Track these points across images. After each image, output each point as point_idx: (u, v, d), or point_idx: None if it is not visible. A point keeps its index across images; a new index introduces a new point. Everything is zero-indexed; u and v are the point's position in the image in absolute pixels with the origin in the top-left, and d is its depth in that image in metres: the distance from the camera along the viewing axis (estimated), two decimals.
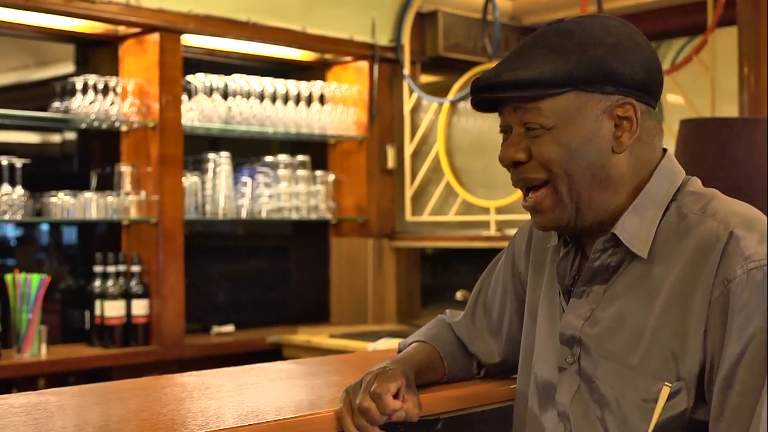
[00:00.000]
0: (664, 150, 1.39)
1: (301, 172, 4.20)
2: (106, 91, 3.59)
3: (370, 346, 3.49)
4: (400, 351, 1.68)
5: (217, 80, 3.92)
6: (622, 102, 1.31)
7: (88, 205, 3.54)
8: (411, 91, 4.37)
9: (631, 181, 1.34)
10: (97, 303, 3.56)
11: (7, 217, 3.35)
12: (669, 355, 1.26)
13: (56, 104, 3.57)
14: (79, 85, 3.54)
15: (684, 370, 1.25)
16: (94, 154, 3.91)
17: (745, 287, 1.20)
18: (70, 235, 4.05)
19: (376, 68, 4.32)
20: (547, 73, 1.29)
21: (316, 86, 4.24)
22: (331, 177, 4.35)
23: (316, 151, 4.39)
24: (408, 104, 4.37)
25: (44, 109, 3.58)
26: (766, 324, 1.19)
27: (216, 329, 4.03)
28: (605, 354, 1.32)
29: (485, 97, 1.35)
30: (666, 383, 1.25)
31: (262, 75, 4.09)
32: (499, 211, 4.04)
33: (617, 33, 1.32)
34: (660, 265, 1.30)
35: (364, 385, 1.42)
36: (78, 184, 3.66)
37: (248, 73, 4.04)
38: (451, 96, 4.25)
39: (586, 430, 1.34)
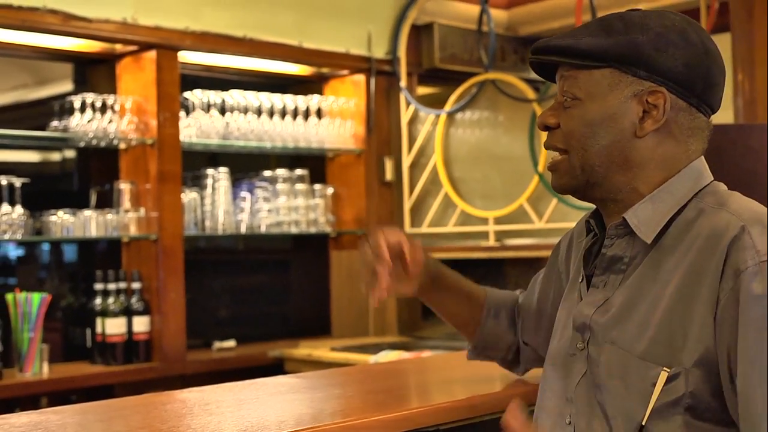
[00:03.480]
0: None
1: (300, 186, 4.20)
2: (104, 109, 3.60)
3: (372, 358, 3.49)
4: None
5: (214, 96, 3.93)
6: (653, 89, 1.34)
7: (88, 223, 3.55)
8: (408, 103, 4.38)
9: (655, 173, 1.37)
10: (98, 320, 3.56)
11: (7, 236, 3.35)
12: (672, 341, 1.27)
13: (55, 123, 3.58)
14: (77, 104, 3.55)
15: (685, 355, 1.25)
16: (93, 172, 3.92)
17: (757, 278, 1.21)
18: (70, 254, 4.06)
19: (372, 81, 4.34)
20: (586, 45, 1.35)
21: (313, 100, 4.25)
22: (330, 190, 4.36)
23: (314, 164, 4.40)
24: (405, 116, 4.38)
25: (43, 128, 3.59)
26: None
27: (217, 345, 4.03)
28: (611, 339, 1.33)
29: (535, 58, 1.42)
30: (665, 368, 1.26)
31: (259, 90, 4.10)
32: (498, 221, 4.05)
33: (670, 26, 1.34)
34: (673, 255, 1.31)
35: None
36: (77, 203, 3.67)
37: (245, 89, 4.05)
38: (448, 107, 4.26)
39: (587, 413, 1.35)
